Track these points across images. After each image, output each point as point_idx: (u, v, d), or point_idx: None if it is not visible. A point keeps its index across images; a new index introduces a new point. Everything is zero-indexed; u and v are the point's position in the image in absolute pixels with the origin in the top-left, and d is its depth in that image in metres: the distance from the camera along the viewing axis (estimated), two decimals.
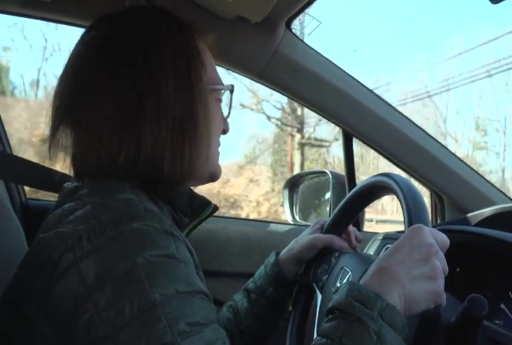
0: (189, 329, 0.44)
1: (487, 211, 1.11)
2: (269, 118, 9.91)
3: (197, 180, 0.65)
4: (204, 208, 0.63)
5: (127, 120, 0.56)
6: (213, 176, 0.67)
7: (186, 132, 0.58)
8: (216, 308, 0.51)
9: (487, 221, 1.09)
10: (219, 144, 0.69)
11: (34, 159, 1.34)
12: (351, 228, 0.86)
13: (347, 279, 0.70)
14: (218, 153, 0.68)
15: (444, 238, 0.54)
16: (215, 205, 0.65)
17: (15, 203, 1.29)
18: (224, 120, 0.69)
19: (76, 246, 0.47)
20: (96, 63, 0.58)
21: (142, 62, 0.57)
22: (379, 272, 0.51)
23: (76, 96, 0.58)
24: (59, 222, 0.52)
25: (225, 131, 0.69)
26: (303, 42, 1.14)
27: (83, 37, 0.63)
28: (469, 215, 1.16)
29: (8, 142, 1.33)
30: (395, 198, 0.63)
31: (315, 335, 0.71)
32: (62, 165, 0.62)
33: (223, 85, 0.68)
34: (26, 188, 1.37)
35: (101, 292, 0.45)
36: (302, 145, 10.18)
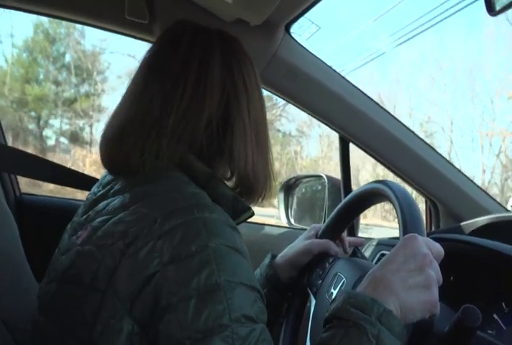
0: (244, 320, 0.47)
1: (481, 220, 1.11)
2: None
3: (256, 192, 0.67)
4: (244, 212, 0.65)
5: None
6: (261, 196, 0.68)
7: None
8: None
9: (482, 230, 1.09)
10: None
11: None
12: (344, 234, 0.87)
13: (341, 286, 0.70)
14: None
15: (439, 249, 0.54)
16: (253, 211, 0.66)
17: (9, 198, 1.28)
18: None
19: (152, 227, 0.50)
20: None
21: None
22: (374, 282, 0.51)
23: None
24: (126, 207, 0.55)
25: None
26: (302, 46, 1.14)
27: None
28: (463, 223, 1.16)
29: (3, 133, 1.32)
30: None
31: (308, 339, 0.71)
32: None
33: None
34: (21, 183, 1.36)
35: (173, 267, 0.48)
36: None
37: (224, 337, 0.45)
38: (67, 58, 10.46)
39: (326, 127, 1.26)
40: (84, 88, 10.65)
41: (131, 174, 0.61)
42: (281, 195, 1.61)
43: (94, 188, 0.68)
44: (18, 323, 0.67)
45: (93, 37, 10.35)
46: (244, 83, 0.66)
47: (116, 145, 0.63)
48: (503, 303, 0.72)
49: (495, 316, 0.73)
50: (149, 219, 0.51)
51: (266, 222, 1.61)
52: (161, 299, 0.47)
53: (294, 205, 1.60)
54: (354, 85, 1.21)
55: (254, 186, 0.66)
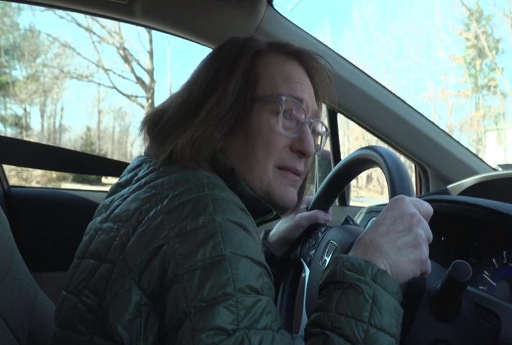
0: (249, 291, 0.47)
1: (469, 181, 1.12)
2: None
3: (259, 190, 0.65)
4: (266, 213, 0.65)
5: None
6: (273, 200, 0.66)
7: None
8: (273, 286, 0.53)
9: (470, 190, 1.10)
10: (289, 166, 0.66)
11: None
12: None
13: (334, 252, 0.70)
14: (282, 176, 0.66)
15: (427, 207, 0.55)
16: (277, 214, 0.67)
17: None
18: (292, 137, 0.65)
19: (163, 203, 0.52)
20: None
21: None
22: (363, 246, 0.51)
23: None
24: (143, 186, 0.58)
25: (299, 152, 0.66)
26: (286, 18, 1.12)
27: None
28: (451, 185, 1.17)
29: None
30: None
31: (304, 308, 0.72)
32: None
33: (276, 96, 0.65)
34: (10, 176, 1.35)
35: (180, 239, 0.49)
36: None
37: (228, 305, 0.45)
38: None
39: None
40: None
41: (156, 161, 0.62)
42: None
43: (124, 172, 0.69)
44: (13, 312, 0.67)
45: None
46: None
47: (156, 132, 0.64)
48: (494, 259, 0.74)
49: (485, 273, 0.74)
50: (161, 196, 0.53)
51: None
52: (168, 270, 0.48)
53: None
54: (338, 54, 1.19)
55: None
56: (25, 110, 11.93)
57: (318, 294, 0.51)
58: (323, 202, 0.85)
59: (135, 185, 0.60)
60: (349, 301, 0.46)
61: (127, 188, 0.61)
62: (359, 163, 0.74)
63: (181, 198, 0.52)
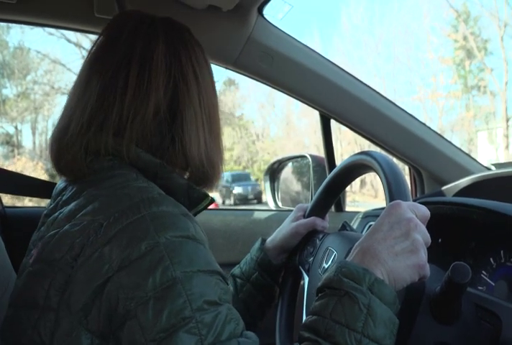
0: (207, 307, 0.46)
1: (463, 181, 1.13)
2: None
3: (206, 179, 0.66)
4: (202, 200, 0.63)
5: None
6: (215, 183, 0.67)
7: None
8: (230, 289, 0.52)
9: (465, 191, 1.11)
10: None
11: None
12: None
13: (333, 259, 0.70)
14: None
15: (424, 211, 0.54)
16: (212, 198, 0.65)
17: None
18: None
19: (98, 234, 0.49)
20: None
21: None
22: (361, 252, 0.51)
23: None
24: (72, 217, 0.53)
25: None
26: (276, 27, 1.13)
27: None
28: (446, 186, 1.18)
29: None
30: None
31: (304, 317, 0.72)
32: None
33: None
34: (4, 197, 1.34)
35: (125, 272, 0.46)
36: None
37: (189, 329, 0.44)
38: None
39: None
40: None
41: (80, 179, 0.59)
42: (266, 180, 1.61)
43: (51, 200, 0.65)
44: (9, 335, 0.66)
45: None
46: (194, 70, 0.65)
47: (60, 147, 0.60)
48: (491, 259, 0.74)
49: (483, 273, 0.74)
50: (94, 226, 0.50)
51: None
52: (118, 306, 0.45)
53: (280, 189, 1.60)
54: (328, 60, 1.20)
55: (209, 173, 0.65)
56: (16, 128, 11.91)
57: (316, 296, 0.51)
58: (320, 209, 0.85)
59: (63, 215, 0.55)
60: (344, 310, 0.46)
61: (54, 217, 0.57)
62: (355, 169, 0.74)
63: (117, 224, 0.49)
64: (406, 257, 0.50)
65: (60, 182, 0.66)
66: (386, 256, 0.50)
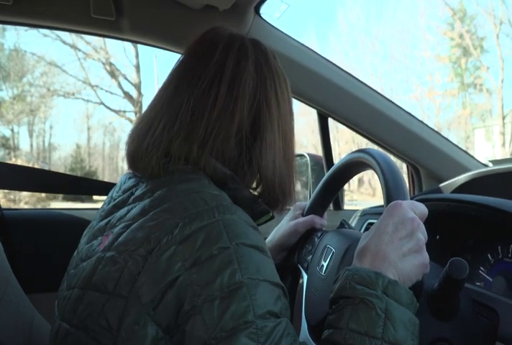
0: (269, 316, 0.47)
1: (461, 178, 1.13)
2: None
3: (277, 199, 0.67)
4: (263, 215, 0.65)
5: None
6: (285, 208, 0.69)
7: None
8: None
9: (463, 188, 1.12)
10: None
11: None
12: None
13: (331, 257, 0.70)
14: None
15: (423, 209, 0.55)
16: (273, 215, 0.67)
17: None
18: None
19: (174, 232, 0.50)
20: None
21: None
22: (370, 256, 0.51)
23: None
24: (146, 212, 0.55)
25: None
26: (273, 26, 1.13)
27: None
28: (444, 183, 1.18)
29: None
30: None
31: (303, 315, 0.72)
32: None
33: None
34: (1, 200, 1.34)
35: (196, 269, 0.48)
36: None
37: (249, 333, 0.45)
38: None
39: None
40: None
41: (153, 178, 0.61)
42: None
43: (113, 193, 0.68)
44: (10, 336, 0.66)
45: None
46: (276, 94, 0.67)
47: (140, 147, 0.62)
48: (489, 255, 0.74)
49: (481, 269, 0.75)
50: (171, 224, 0.51)
51: None
52: (185, 302, 0.47)
53: None
54: (326, 59, 1.20)
55: (279, 197, 0.67)
56: (12, 130, 11.88)
57: (329, 308, 0.51)
58: (318, 207, 0.85)
59: (136, 209, 0.57)
60: (361, 318, 0.46)
61: (125, 210, 0.59)
62: (353, 166, 0.74)
63: (192, 226, 0.51)
64: (413, 257, 0.51)
65: (125, 177, 0.69)
66: (395, 258, 0.50)
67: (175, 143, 0.60)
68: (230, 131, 0.62)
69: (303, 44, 1.17)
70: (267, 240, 0.85)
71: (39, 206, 7.93)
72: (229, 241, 0.50)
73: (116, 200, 0.64)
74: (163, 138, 0.61)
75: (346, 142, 13.67)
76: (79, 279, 0.56)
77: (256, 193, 0.67)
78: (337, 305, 0.49)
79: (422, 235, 0.52)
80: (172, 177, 0.59)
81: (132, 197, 0.61)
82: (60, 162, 13.18)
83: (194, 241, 0.49)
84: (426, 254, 0.52)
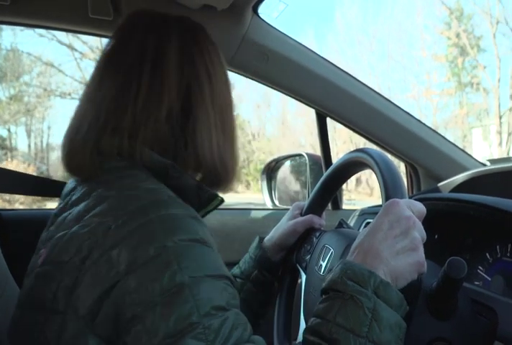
0: (214, 312, 0.46)
1: (459, 178, 1.13)
2: None
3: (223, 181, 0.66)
4: (212, 200, 0.63)
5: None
6: (231, 185, 0.67)
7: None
8: (237, 294, 0.52)
9: (461, 187, 1.12)
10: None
11: None
12: None
13: (329, 257, 0.70)
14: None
15: (420, 207, 0.55)
16: (222, 198, 0.64)
17: None
18: None
19: (106, 237, 0.48)
20: None
21: None
22: (362, 253, 0.51)
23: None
24: (80, 218, 0.52)
25: None
26: (271, 26, 1.13)
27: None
28: (442, 183, 1.18)
29: None
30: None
31: (301, 315, 0.72)
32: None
33: None
34: None
35: (132, 275, 0.46)
36: None
37: (196, 334, 0.44)
38: None
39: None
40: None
41: (90, 179, 0.58)
42: (263, 179, 1.61)
43: (60, 199, 0.65)
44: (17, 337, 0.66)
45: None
46: (207, 69, 0.64)
47: (73, 146, 0.60)
48: (487, 254, 0.74)
49: (480, 268, 0.75)
50: (103, 228, 0.49)
51: None
52: (124, 311, 0.45)
53: (277, 187, 1.60)
54: (324, 59, 1.20)
55: (222, 174, 0.65)
56: (9, 130, 11.84)
57: (320, 296, 0.51)
58: (317, 206, 0.85)
59: (72, 216, 0.54)
60: (349, 314, 0.46)
61: (62, 218, 0.57)
62: (351, 166, 0.74)
63: (125, 227, 0.48)
64: (407, 255, 0.50)
65: (70, 182, 0.65)
66: (388, 256, 0.50)
67: (103, 138, 0.58)
68: (160, 115, 0.59)
69: (301, 44, 1.17)
70: (266, 238, 0.85)
71: (34, 206, 7.90)
72: (166, 239, 0.48)
73: (57, 209, 0.61)
74: (91, 135, 0.58)
75: (344, 142, 13.69)
76: (21, 299, 0.54)
77: (199, 177, 0.65)
78: (327, 296, 0.49)
79: (418, 234, 0.52)
80: (108, 176, 0.57)
81: (70, 201, 0.59)
82: (58, 162, 13.11)
83: (128, 245, 0.47)
84: (422, 253, 0.51)
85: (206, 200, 0.62)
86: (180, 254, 0.47)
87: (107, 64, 0.64)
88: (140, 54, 0.61)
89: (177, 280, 0.45)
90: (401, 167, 1.45)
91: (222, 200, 0.64)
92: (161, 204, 0.51)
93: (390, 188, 0.57)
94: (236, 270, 0.84)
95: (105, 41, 0.71)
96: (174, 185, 0.58)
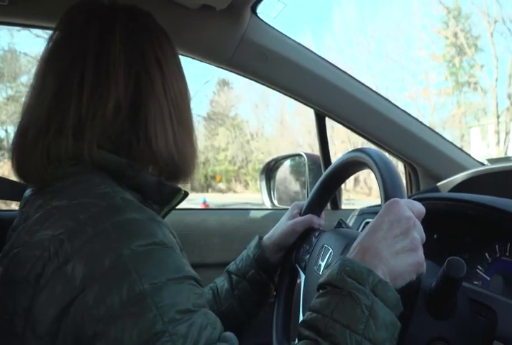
0: (180, 316, 0.44)
1: (458, 177, 1.13)
2: None
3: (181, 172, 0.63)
4: (174, 195, 0.60)
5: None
6: (190, 176, 0.65)
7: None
8: (205, 292, 0.50)
9: (460, 187, 1.12)
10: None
11: None
12: None
13: (329, 256, 0.70)
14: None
15: (420, 208, 0.55)
16: (185, 192, 0.62)
17: None
18: None
19: (59, 252, 0.45)
20: None
21: None
22: (362, 251, 0.51)
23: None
24: (32, 233, 0.49)
25: None
26: (270, 25, 1.13)
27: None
28: (441, 182, 1.18)
29: None
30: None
31: (300, 315, 0.72)
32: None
33: None
34: None
35: (90, 290, 0.44)
36: None
37: (163, 343, 0.42)
38: None
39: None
40: None
41: (43, 189, 0.54)
42: (262, 179, 1.61)
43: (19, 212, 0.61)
44: None
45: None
46: (157, 58, 0.60)
47: (21, 153, 0.56)
48: (486, 254, 0.74)
49: (479, 268, 0.75)
50: (55, 243, 0.46)
51: None
52: (85, 329, 0.43)
53: (276, 187, 1.60)
54: (323, 58, 1.20)
55: (180, 166, 0.62)
56: (6, 131, 11.83)
57: (317, 291, 0.51)
58: (316, 206, 0.85)
59: (24, 230, 0.51)
60: (346, 310, 0.46)
61: (16, 233, 0.53)
62: (350, 166, 0.74)
63: (77, 240, 0.45)
64: (407, 255, 0.50)
65: (26, 192, 0.61)
66: (387, 255, 0.50)
67: (51, 141, 0.54)
68: (107, 110, 0.55)
69: (300, 44, 1.17)
70: (265, 238, 0.85)
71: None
72: (122, 247, 0.45)
73: (14, 223, 0.58)
74: (38, 140, 0.54)
75: (342, 141, 13.71)
76: None
77: (157, 171, 0.62)
78: (325, 290, 0.49)
79: (418, 234, 0.52)
80: (62, 184, 0.53)
81: (23, 216, 0.55)
82: None
83: (82, 258, 0.45)
84: (421, 253, 0.51)
85: (168, 195, 0.60)
86: (138, 261, 0.45)
87: (48, 60, 0.59)
88: (82, 47, 0.57)
89: (136, 290, 0.43)
90: (400, 167, 1.45)
91: (186, 194, 0.62)
92: (115, 209, 0.49)
93: (389, 188, 0.57)
94: (232, 266, 0.83)
95: None
96: (133, 185, 0.56)
